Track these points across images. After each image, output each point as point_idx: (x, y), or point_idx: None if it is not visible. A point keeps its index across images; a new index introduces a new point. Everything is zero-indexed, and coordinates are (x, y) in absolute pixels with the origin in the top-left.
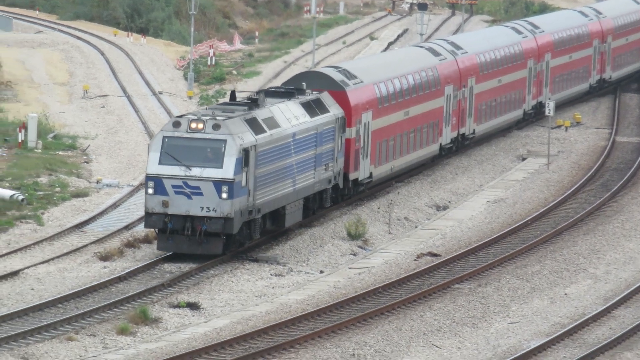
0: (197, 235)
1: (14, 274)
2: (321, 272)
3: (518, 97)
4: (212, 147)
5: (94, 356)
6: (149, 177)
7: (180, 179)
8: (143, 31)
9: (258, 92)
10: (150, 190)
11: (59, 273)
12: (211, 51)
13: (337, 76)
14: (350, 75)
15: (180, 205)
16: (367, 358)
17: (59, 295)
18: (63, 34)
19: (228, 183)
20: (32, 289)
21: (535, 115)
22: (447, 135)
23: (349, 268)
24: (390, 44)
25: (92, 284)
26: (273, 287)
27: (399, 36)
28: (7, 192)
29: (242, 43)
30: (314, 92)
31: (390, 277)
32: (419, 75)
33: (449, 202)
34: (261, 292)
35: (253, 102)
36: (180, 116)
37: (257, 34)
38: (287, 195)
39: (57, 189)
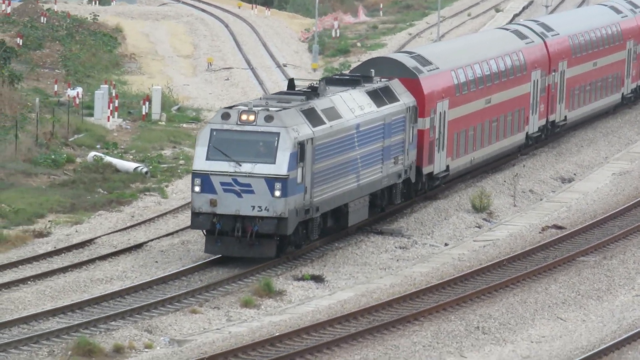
0: (247, 237)
1: (138, 246)
2: (446, 244)
3: (616, 80)
4: (264, 140)
5: (217, 329)
6: (195, 174)
7: (230, 175)
8: (267, 3)
9: (320, 80)
10: (197, 188)
11: (182, 246)
12: (335, 23)
13: (410, 62)
14: (425, 62)
15: (230, 205)
16: (492, 330)
17: (182, 268)
18: (187, 7)
19: (281, 180)
20: (156, 262)
21: (635, 99)
22: (535, 123)
23: (474, 241)
24: (515, 16)
25: (216, 257)
26: (397, 260)
27: (524, 8)
28: (131, 165)
29: (367, 15)
30: (383, 80)
31: (515, 250)
32: (502, 60)
33: (574, 174)
34: (385, 264)
35: (312, 91)
36: (230, 107)
37: (381, 6)
38: (350, 192)
39: (181, 162)
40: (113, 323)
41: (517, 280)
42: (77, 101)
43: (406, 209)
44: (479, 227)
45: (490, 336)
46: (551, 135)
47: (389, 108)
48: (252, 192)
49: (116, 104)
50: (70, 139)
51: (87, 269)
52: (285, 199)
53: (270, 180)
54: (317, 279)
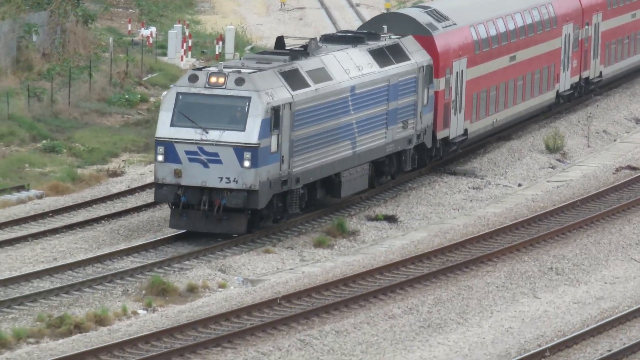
0: (215, 211)
1: None
2: (519, 185)
3: None
4: (233, 105)
5: (291, 269)
6: (158, 142)
7: (195, 143)
8: None
9: (311, 39)
10: (160, 157)
11: None
12: None
13: (423, 18)
14: (441, 17)
15: (196, 176)
16: (565, 271)
17: None
18: None
19: (252, 149)
20: None
21: None
22: (566, 81)
23: (547, 181)
24: None
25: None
26: (471, 200)
27: None
28: None
29: None
30: (394, 37)
31: (588, 191)
32: (529, 14)
33: None
34: (459, 205)
35: (300, 51)
36: (200, 68)
37: None
38: (342, 161)
39: None
40: (187, 262)
41: (591, 221)
42: (151, 40)
43: (479, 149)
44: (553, 167)
45: (563, 277)
46: (585, 93)
47: (395, 68)
48: (219, 162)
49: (189, 44)
50: (143, 79)
51: (161, 208)
52: (256, 170)
53: (239, 149)
54: (391, 219)
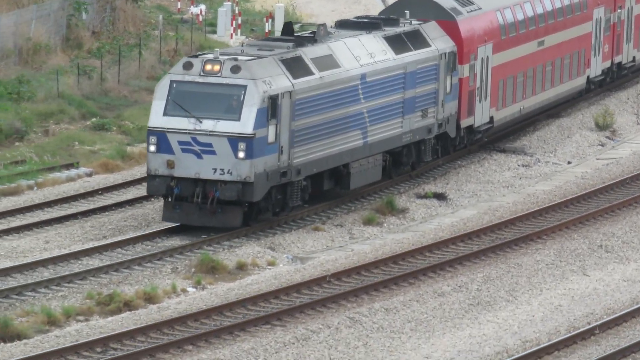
0: (208, 204)
1: None
2: (569, 162)
3: None
4: (228, 94)
5: (340, 246)
6: (150, 131)
7: (189, 133)
8: None
9: (319, 25)
10: (153, 148)
11: None
12: None
13: (447, 2)
14: (465, 1)
15: (189, 167)
16: (615, 249)
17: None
18: None
19: (246, 139)
20: None
21: None
22: (597, 66)
23: (597, 159)
24: None
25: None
26: (520, 178)
27: None
28: None
29: None
30: (415, 23)
31: (638, 168)
32: None
33: None
34: (508, 182)
35: (308, 37)
36: (196, 55)
37: None
38: (351, 151)
39: None
40: (236, 240)
41: None
42: (201, 18)
43: (528, 127)
44: (602, 145)
45: (613, 254)
46: (617, 78)
47: (413, 55)
48: (213, 152)
49: (239, 21)
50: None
51: None
52: (251, 161)
53: (234, 140)
54: (440, 196)
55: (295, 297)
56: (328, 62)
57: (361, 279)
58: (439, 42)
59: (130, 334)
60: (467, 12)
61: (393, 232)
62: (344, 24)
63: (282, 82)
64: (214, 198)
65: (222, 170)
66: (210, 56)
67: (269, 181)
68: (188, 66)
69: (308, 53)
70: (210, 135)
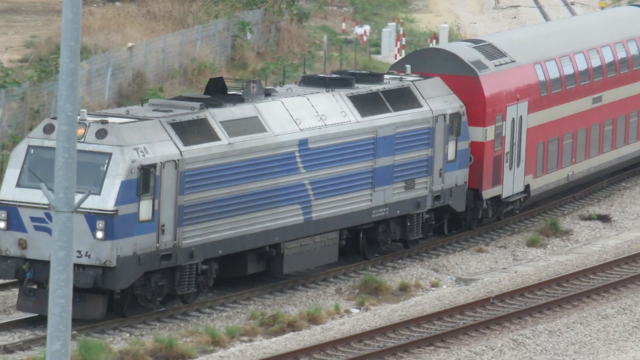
0: None
1: None
2: None
3: None
4: (91, 162)
5: (504, 268)
6: (1, 205)
7: (42, 208)
8: None
9: (251, 81)
10: (2, 224)
11: None
12: None
13: (471, 55)
14: (495, 53)
15: (43, 247)
16: None
17: None
18: None
19: (106, 216)
20: None
21: None
22: None
23: None
24: None
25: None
26: None
27: None
28: None
29: None
30: (409, 79)
31: None
32: (622, 48)
33: None
34: None
35: (231, 96)
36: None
37: None
38: (284, 229)
39: None
40: (400, 261)
41: None
42: (365, 39)
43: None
44: None
45: None
46: None
47: (391, 117)
48: None
49: (403, 42)
50: None
51: None
52: (112, 242)
53: (92, 217)
54: (604, 218)
55: (458, 319)
56: (248, 126)
57: (525, 300)
58: (437, 102)
59: (294, 355)
60: (495, 65)
61: (557, 254)
62: (308, 80)
63: (164, 149)
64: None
65: (79, 252)
66: (77, 118)
67: (141, 266)
68: (49, 129)
69: (218, 115)
70: None
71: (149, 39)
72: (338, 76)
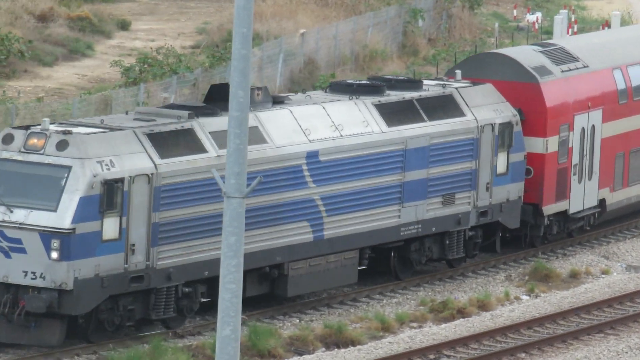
0: (15, 315)
1: None
2: None
3: None
4: (49, 176)
5: None
6: None
7: None
8: None
9: (257, 88)
10: None
11: None
12: None
13: (533, 60)
14: (565, 58)
15: None
16: None
17: None
18: None
19: (62, 235)
20: None
21: None
22: None
23: None
24: None
25: None
26: None
27: None
28: None
29: None
30: (454, 85)
31: None
32: None
33: None
34: None
35: (220, 104)
36: (26, 127)
37: None
38: (289, 248)
39: None
40: (570, 249)
41: None
42: (536, 26)
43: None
44: None
45: None
46: None
47: (424, 127)
48: (23, 251)
49: (575, 29)
50: None
51: None
52: (69, 263)
53: (46, 236)
54: None
55: (628, 306)
56: (249, 136)
57: None
58: (484, 111)
59: (464, 341)
60: (562, 71)
61: None
62: (334, 86)
63: (136, 162)
64: (22, 309)
65: (33, 273)
66: (38, 128)
67: (105, 289)
68: (8, 139)
69: (209, 125)
70: (19, 228)
71: (320, 26)
72: (367, 82)
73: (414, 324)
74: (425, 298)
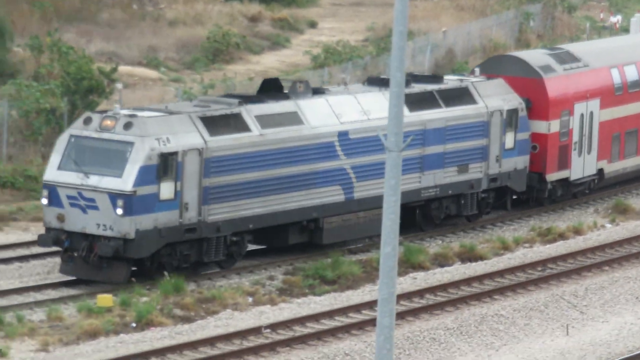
0: (90, 257)
1: None
2: None
3: None
4: (118, 150)
5: None
6: (45, 185)
7: (75, 188)
8: None
9: (296, 81)
10: (45, 201)
11: None
12: None
13: (540, 60)
14: (568, 59)
15: (76, 221)
16: None
17: None
18: None
19: (125, 196)
20: None
21: None
22: None
23: None
24: None
25: None
26: None
27: None
28: None
29: None
30: (470, 80)
31: None
32: None
33: None
34: None
35: (275, 94)
36: (102, 111)
37: None
38: (323, 207)
39: None
40: None
41: None
42: (617, 26)
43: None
44: None
45: None
46: None
47: (440, 112)
48: (96, 208)
49: None
50: None
51: None
52: (131, 218)
53: (114, 196)
54: None
55: None
56: (285, 120)
57: None
58: (494, 100)
59: (563, 258)
60: (564, 69)
61: None
62: (370, 80)
63: (188, 139)
64: (95, 253)
65: (104, 225)
66: (110, 112)
67: (162, 238)
68: (88, 121)
69: (254, 110)
70: (93, 190)
71: (457, 25)
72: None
73: (526, 245)
74: (534, 225)
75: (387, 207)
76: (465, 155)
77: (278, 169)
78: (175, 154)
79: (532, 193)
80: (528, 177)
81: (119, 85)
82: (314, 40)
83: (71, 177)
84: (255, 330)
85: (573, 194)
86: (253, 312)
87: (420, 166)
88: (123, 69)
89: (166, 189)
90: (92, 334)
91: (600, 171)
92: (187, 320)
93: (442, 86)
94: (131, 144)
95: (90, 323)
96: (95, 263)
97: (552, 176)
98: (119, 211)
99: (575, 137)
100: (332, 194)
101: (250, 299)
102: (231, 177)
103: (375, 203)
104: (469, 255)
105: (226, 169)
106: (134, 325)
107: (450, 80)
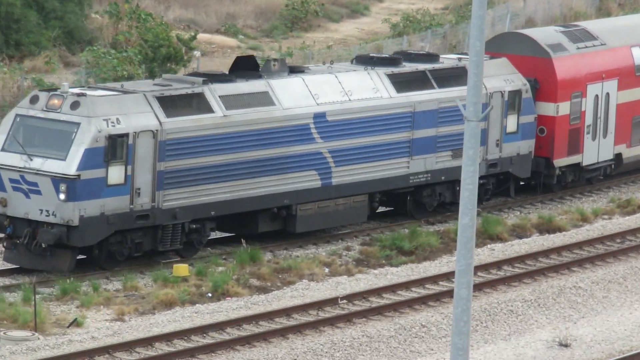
0: (32, 245)
1: None
2: None
3: None
4: (63, 131)
5: None
6: None
7: (18, 171)
8: None
9: (272, 59)
10: None
11: None
12: None
13: (548, 38)
14: (584, 36)
15: (19, 206)
16: None
17: None
18: None
19: (68, 180)
20: None
21: None
22: None
23: None
24: None
25: None
26: None
27: None
28: None
29: None
30: (466, 59)
31: None
32: None
33: None
34: None
35: (247, 73)
36: (48, 89)
37: None
38: (296, 193)
39: None
40: None
41: None
42: None
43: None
44: None
45: None
46: None
47: (433, 93)
48: (39, 192)
49: None
50: None
51: None
52: (75, 204)
53: (56, 180)
54: None
55: None
56: (254, 100)
57: None
58: (494, 80)
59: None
60: (578, 48)
61: None
62: (358, 59)
63: (141, 120)
64: (37, 240)
65: (47, 211)
66: (59, 91)
67: (110, 225)
68: (35, 100)
69: (219, 90)
70: (36, 174)
71: None
72: (386, 55)
73: (605, 216)
74: (614, 197)
75: (465, 178)
76: (461, 139)
77: (244, 152)
78: (125, 135)
79: (539, 179)
80: (535, 162)
81: (197, 53)
82: (393, 8)
83: (14, 160)
84: (332, 301)
85: (587, 179)
86: (329, 282)
87: (409, 150)
88: (201, 36)
89: (115, 173)
90: (168, 304)
91: (619, 156)
92: (263, 290)
93: (435, 65)
94: (77, 124)
95: (165, 293)
96: (38, 251)
97: (561, 161)
98: (62, 196)
99: (589, 120)
100: (307, 180)
101: (326, 270)
102: (190, 160)
103: (357, 189)
104: (547, 227)
105: (184, 152)
106: (209, 295)
107: (448, 60)
